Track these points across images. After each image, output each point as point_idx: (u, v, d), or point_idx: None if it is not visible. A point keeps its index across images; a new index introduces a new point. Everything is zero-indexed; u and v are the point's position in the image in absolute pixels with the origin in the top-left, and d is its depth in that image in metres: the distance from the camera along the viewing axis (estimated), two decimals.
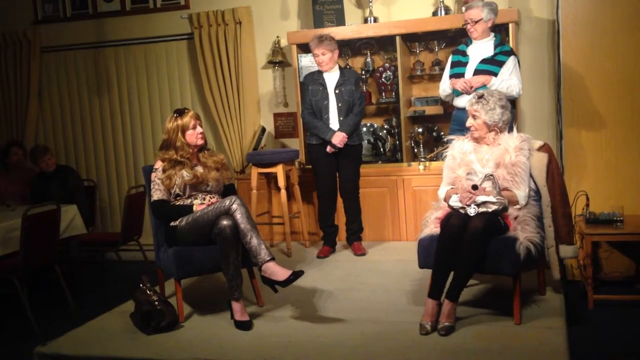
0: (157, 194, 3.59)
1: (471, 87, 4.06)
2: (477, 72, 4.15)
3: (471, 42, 4.28)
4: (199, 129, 3.64)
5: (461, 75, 4.21)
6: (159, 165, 3.63)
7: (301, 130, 5.30)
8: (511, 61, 4.12)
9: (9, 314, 4.56)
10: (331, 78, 4.60)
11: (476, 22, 4.15)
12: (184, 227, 3.49)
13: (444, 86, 4.37)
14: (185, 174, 3.58)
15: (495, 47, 4.18)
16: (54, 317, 4.47)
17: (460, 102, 4.21)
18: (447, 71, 4.38)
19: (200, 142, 3.65)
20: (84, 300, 4.79)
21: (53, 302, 4.78)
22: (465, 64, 4.24)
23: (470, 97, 3.59)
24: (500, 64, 4.11)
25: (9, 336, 4.20)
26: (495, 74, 4.08)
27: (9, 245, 4.32)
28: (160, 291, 3.81)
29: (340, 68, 4.65)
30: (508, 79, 4.08)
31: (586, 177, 4.46)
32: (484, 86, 4.03)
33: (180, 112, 3.63)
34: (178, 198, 3.60)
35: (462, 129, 3.86)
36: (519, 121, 4.81)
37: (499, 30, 4.41)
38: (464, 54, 4.29)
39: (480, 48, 4.21)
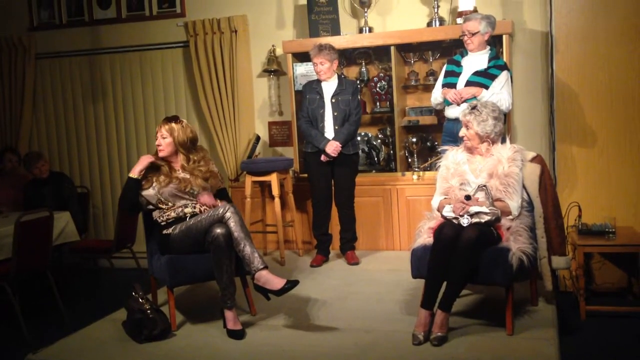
0: None
1: (461, 99, 4.09)
2: (469, 83, 4.17)
3: (467, 53, 4.30)
4: (159, 139, 3.57)
5: (453, 85, 4.23)
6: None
7: (296, 139, 5.31)
8: (503, 76, 4.14)
9: (0, 320, 4.52)
10: (329, 87, 4.62)
11: (473, 34, 4.18)
12: (177, 234, 3.48)
13: (436, 94, 4.39)
14: (162, 179, 3.54)
15: (490, 60, 4.20)
16: (45, 325, 4.45)
17: (451, 112, 4.23)
18: (440, 80, 4.40)
19: (160, 153, 3.58)
20: (76, 307, 4.76)
21: (45, 309, 4.76)
22: (458, 74, 4.26)
23: (464, 108, 3.60)
24: (493, 77, 4.13)
25: (0, 343, 4.17)
26: (487, 87, 4.10)
27: (2, 251, 4.30)
28: (152, 299, 3.80)
29: (339, 78, 4.67)
30: (499, 93, 4.09)
31: (579, 189, 4.49)
32: (474, 98, 4.05)
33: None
34: (166, 207, 3.54)
35: (453, 140, 3.88)
36: (511, 132, 4.83)
37: (493, 42, 4.43)
38: (459, 64, 4.31)
39: (475, 60, 4.24)
